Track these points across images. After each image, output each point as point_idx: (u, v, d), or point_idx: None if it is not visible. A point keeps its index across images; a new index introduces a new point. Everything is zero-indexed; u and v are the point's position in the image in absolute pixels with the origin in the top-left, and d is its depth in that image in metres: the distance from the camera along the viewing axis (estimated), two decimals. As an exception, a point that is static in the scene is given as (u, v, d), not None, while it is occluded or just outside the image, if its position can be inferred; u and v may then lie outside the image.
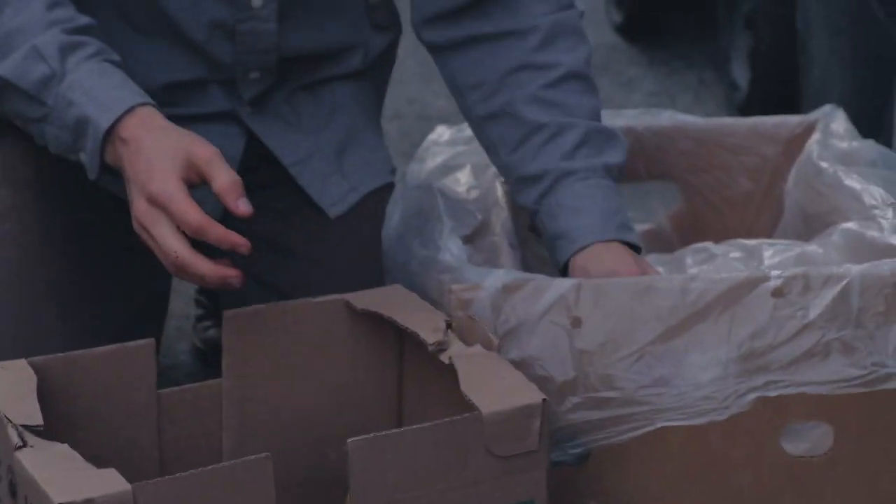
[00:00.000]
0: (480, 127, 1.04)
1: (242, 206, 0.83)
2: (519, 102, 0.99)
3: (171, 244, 0.82)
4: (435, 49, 1.05)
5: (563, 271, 0.97)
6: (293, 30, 1.03)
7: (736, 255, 1.02)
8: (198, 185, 0.84)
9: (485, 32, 1.01)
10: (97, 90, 0.87)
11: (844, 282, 0.88)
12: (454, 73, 1.04)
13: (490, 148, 1.04)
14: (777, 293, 0.88)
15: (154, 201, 0.82)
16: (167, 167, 0.82)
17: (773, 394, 0.89)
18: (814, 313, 0.88)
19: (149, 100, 0.88)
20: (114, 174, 0.88)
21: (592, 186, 0.98)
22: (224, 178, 0.83)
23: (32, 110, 0.89)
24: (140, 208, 0.83)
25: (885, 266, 0.90)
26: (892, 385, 0.89)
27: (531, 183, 0.99)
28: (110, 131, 0.85)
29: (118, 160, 0.86)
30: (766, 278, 0.89)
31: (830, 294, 0.88)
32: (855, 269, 0.89)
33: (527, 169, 0.99)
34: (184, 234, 0.82)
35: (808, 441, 0.92)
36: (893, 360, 0.89)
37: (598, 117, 1.02)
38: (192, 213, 0.81)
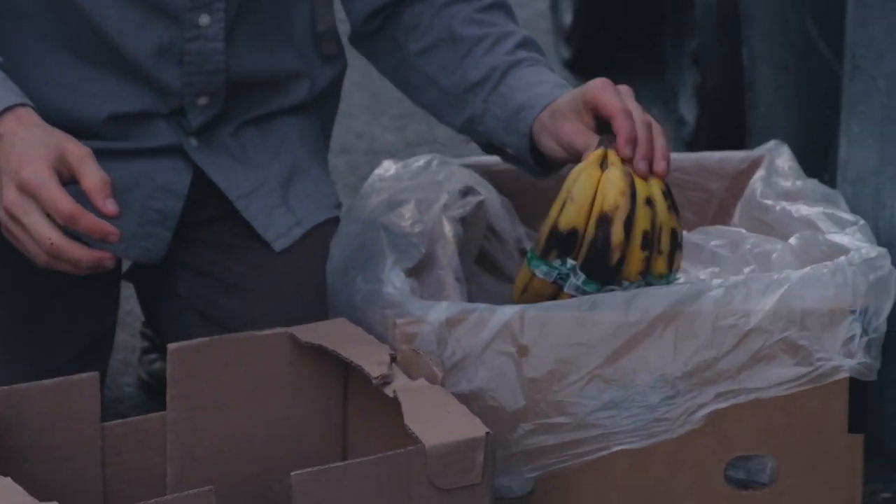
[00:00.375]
0: (418, 65, 1.06)
1: (110, 206, 0.82)
2: (456, 26, 1.03)
3: (44, 231, 0.80)
4: (375, 33, 1.08)
5: (531, 145, 0.98)
6: (241, 50, 1.04)
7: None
8: (68, 181, 0.83)
9: None
10: None
11: (786, 286, 0.90)
12: (392, 35, 1.07)
13: (427, 84, 1.06)
14: (719, 303, 0.90)
15: (25, 189, 0.81)
16: (39, 156, 0.82)
17: (724, 405, 0.90)
18: (755, 320, 0.90)
19: (28, 101, 0.88)
20: None
21: (541, 71, 1.01)
22: (94, 177, 0.82)
23: None
24: (10, 197, 0.81)
25: (825, 269, 0.92)
26: (840, 376, 0.90)
27: (478, 87, 1.02)
28: None
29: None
30: (708, 289, 0.91)
31: (772, 299, 0.90)
32: (796, 273, 0.92)
33: (471, 77, 1.02)
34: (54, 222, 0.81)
35: (752, 473, 0.93)
36: (840, 354, 0.90)
37: None
38: (64, 201, 0.80)
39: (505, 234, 1.14)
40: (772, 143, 1.23)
